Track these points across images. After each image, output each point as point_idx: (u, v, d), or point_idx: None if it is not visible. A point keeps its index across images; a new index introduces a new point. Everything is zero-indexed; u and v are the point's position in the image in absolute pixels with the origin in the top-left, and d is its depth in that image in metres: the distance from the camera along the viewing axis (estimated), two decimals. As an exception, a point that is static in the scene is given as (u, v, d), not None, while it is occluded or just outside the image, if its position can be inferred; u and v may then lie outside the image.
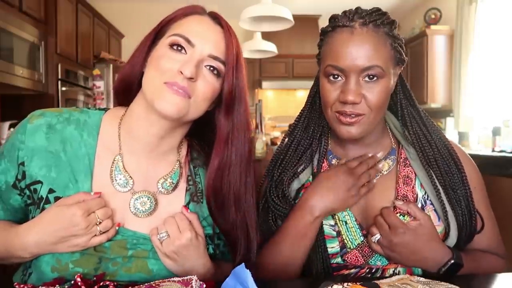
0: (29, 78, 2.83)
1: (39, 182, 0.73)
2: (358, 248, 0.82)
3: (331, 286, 0.61)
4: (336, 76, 0.79)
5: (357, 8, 0.80)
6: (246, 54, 4.51)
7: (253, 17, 3.11)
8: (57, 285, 0.65)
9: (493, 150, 3.20)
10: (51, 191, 0.73)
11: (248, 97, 0.80)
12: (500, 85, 3.72)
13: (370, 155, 0.86)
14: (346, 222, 0.83)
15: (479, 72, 3.85)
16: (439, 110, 4.51)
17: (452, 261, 0.77)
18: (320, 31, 0.85)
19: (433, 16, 4.59)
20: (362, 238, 0.83)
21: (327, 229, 0.83)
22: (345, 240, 0.83)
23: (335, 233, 0.83)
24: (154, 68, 0.73)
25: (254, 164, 0.83)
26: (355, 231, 0.83)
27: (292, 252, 0.81)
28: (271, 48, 4.30)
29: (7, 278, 0.78)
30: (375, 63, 0.76)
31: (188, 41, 0.72)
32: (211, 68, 0.74)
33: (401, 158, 0.88)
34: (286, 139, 0.93)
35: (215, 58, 0.74)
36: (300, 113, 0.94)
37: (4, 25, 2.49)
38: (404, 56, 0.83)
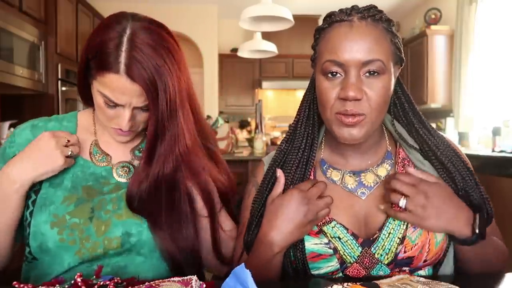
0: (29, 78, 2.83)
1: None
2: (359, 261, 0.77)
3: (331, 286, 0.61)
4: (335, 73, 0.75)
5: (354, 6, 0.78)
6: (246, 54, 4.51)
7: (253, 17, 3.11)
8: (57, 285, 0.65)
9: (493, 150, 3.20)
10: None
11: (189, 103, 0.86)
12: (500, 85, 3.72)
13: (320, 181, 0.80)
14: (339, 238, 0.78)
15: (479, 72, 3.85)
16: (439, 110, 4.51)
17: (478, 215, 0.72)
18: (314, 30, 0.81)
19: (433, 16, 4.59)
20: (360, 249, 0.77)
21: (322, 249, 0.78)
22: (343, 256, 0.78)
23: (331, 250, 0.78)
24: (98, 110, 0.83)
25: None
26: (351, 243, 0.78)
27: (262, 278, 0.76)
28: (271, 48, 4.30)
29: (7, 278, 0.78)
30: (376, 56, 0.73)
31: (115, 103, 0.79)
32: (141, 109, 0.81)
33: (399, 158, 0.84)
34: (284, 145, 0.87)
35: (142, 107, 0.80)
36: (295, 121, 0.87)
37: (4, 25, 2.49)
38: (403, 55, 0.80)
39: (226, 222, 0.94)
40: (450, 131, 4.14)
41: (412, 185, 0.73)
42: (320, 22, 6.12)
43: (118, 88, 0.76)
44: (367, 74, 0.74)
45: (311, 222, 0.76)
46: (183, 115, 0.83)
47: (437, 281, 0.66)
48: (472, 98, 3.89)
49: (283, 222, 0.75)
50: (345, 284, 0.61)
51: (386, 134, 0.88)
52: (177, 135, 0.83)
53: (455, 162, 0.80)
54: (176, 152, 0.84)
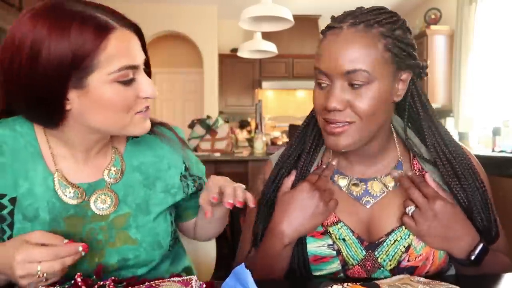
0: (29, 78, 2.83)
1: None
2: (361, 264, 0.77)
3: (331, 286, 0.61)
4: (323, 81, 0.74)
5: (359, 8, 0.75)
6: (246, 54, 4.51)
7: (253, 17, 3.11)
8: (57, 285, 0.65)
9: (493, 150, 3.21)
10: (1, 196, 0.70)
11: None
12: (500, 85, 3.72)
13: (323, 166, 0.82)
14: (344, 239, 0.78)
15: (479, 72, 3.85)
16: (439, 110, 4.50)
17: (482, 244, 0.73)
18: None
19: (433, 16, 4.59)
20: (364, 253, 0.77)
21: (325, 251, 0.78)
22: (346, 258, 0.78)
23: (334, 252, 0.78)
24: (111, 111, 0.68)
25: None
26: (355, 245, 0.78)
27: (270, 271, 0.78)
28: (271, 48, 4.29)
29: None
30: (359, 66, 0.69)
31: (135, 67, 0.69)
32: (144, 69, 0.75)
33: (415, 170, 0.81)
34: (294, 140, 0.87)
35: (146, 62, 0.75)
36: (306, 122, 0.87)
37: (4, 25, 2.49)
38: (414, 60, 0.75)
39: None
40: (450, 131, 4.13)
41: (426, 197, 0.73)
42: (320, 22, 6.08)
43: (128, 44, 0.68)
44: (354, 83, 0.71)
45: (323, 214, 0.76)
46: None
47: (437, 281, 0.66)
48: (472, 98, 3.89)
49: (294, 213, 0.76)
50: (345, 284, 0.61)
51: (396, 142, 0.84)
52: None
53: (468, 177, 0.77)
54: None
